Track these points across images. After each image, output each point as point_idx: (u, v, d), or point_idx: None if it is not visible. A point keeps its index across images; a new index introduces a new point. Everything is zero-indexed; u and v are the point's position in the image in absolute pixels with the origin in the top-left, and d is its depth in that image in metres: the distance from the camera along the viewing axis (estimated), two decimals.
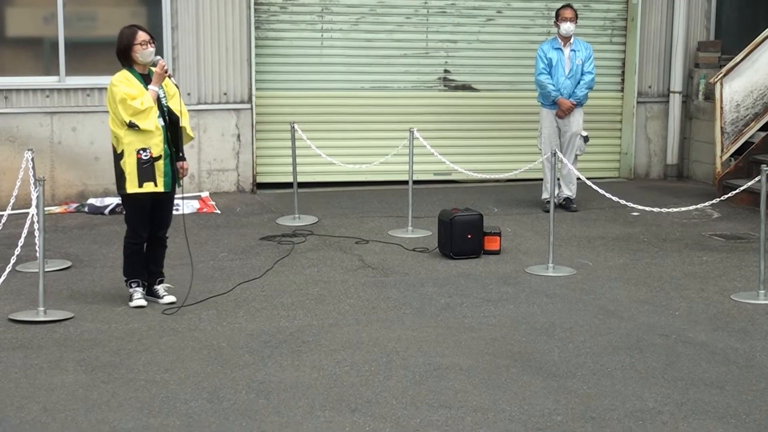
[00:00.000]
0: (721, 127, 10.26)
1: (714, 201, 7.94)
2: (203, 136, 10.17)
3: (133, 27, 6.47)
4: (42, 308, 6.31)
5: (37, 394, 5.15)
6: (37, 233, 6.43)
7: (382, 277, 7.37)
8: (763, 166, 6.91)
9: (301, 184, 9.62)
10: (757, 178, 6.99)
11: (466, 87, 10.99)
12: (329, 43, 10.61)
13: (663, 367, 5.55)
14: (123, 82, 6.35)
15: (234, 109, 10.25)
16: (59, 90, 9.73)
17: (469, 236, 7.83)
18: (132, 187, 6.40)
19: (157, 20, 9.91)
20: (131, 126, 6.31)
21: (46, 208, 6.80)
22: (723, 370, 5.52)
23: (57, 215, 9.28)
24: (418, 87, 10.89)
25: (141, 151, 6.36)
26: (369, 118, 10.76)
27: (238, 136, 10.31)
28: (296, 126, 9.26)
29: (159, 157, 6.40)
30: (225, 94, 10.18)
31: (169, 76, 6.46)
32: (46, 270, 6.59)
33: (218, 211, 9.50)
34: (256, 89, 10.31)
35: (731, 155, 10.31)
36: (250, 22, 10.17)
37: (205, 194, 10.06)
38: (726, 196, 7.78)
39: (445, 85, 10.95)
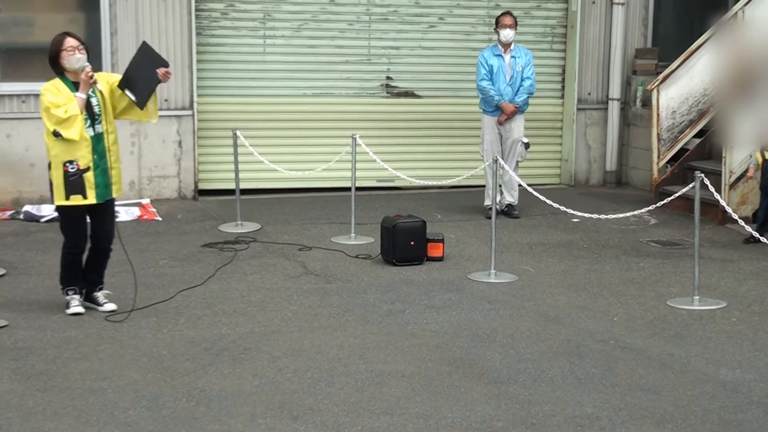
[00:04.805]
0: (658, 134, 10.42)
1: (651, 207, 8.06)
2: (144, 142, 10.07)
3: (64, 34, 6.31)
4: None
5: None
6: None
7: (324, 284, 7.36)
8: (697, 173, 7.05)
9: (244, 191, 9.57)
10: (691, 185, 7.11)
11: (408, 93, 11.03)
12: (271, 49, 10.58)
13: (602, 373, 5.62)
14: (50, 90, 6.20)
15: (175, 116, 10.16)
16: None
17: (412, 243, 7.85)
18: (59, 199, 6.26)
19: (95, 25, 9.79)
20: (56, 135, 6.15)
21: None
22: (659, 375, 5.61)
23: None
24: (361, 94, 10.90)
25: (68, 164, 6.20)
26: (312, 124, 10.74)
27: (180, 143, 10.22)
28: (238, 133, 9.21)
29: (87, 169, 6.24)
30: (166, 100, 10.08)
31: (94, 83, 6.24)
32: None
33: (159, 218, 9.41)
34: (198, 95, 10.23)
35: (667, 162, 10.47)
36: (191, 27, 10.09)
37: (146, 201, 9.96)
38: (662, 202, 7.90)
39: (387, 92, 10.98)
